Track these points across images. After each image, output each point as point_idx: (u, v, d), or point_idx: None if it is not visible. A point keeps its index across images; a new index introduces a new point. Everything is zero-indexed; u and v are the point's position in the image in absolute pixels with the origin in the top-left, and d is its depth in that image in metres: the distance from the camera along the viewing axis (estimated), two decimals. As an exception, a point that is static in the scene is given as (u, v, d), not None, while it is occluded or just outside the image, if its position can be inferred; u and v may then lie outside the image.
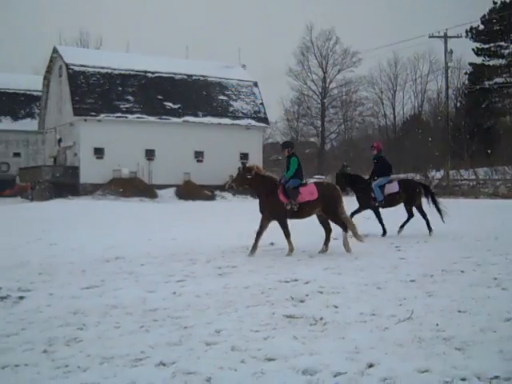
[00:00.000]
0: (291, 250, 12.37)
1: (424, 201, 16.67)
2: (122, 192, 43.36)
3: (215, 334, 6.42)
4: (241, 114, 52.92)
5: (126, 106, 48.30)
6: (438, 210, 16.34)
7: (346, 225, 12.62)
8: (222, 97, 53.26)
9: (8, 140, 61.80)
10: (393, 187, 16.31)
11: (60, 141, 51.03)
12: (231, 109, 52.90)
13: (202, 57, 66.86)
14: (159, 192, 45.53)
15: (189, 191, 46.20)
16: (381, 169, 16.44)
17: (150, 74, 50.88)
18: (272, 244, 13.78)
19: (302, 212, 12.49)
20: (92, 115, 46.77)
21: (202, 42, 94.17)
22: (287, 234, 12.51)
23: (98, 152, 46.66)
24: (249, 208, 23.00)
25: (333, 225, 12.97)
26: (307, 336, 6.26)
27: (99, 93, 48.16)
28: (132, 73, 50.24)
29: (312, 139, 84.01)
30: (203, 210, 33.26)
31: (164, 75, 51.39)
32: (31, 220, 23.96)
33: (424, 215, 16.36)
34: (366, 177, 17.11)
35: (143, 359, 5.63)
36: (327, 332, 6.42)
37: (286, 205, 12.31)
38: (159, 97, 49.83)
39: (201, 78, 53.20)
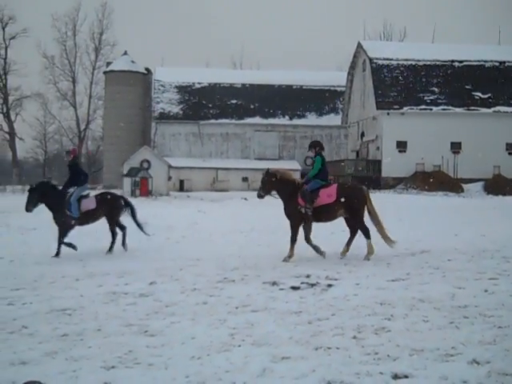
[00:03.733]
0: (290, 256, 11.95)
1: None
2: (425, 186, 43.00)
3: (535, 337, 6.05)
4: None
5: (431, 97, 47.74)
6: (138, 225, 14.71)
7: (368, 231, 12.00)
8: (544, 83, 49.53)
9: (313, 135, 65.40)
10: (89, 203, 14.09)
11: (362, 135, 52.50)
12: (552, 96, 48.92)
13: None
14: (465, 186, 44.12)
15: (498, 186, 43.86)
16: (75, 177, 14.19)
17: (457, 64, 49.56)
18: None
19: (323, 215, 12.16)
20: (395, 108, 47.18)
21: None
22: (293, 239, 12.09)
23: (401, 145, 46.92)
24: None
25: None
26: None
27: (402, 85, 48.38)
28: (438, 63, 49.47)
29: None
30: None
31: (473, 63, 49.59)
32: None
33: (123, 228, 14.55)
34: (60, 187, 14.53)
35: (454, 355, 5.56)
36: None
37: (300, 208, 12.00)
38: (467, 87, 48.25)
39: (516, 63, 50.19)
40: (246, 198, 34.72)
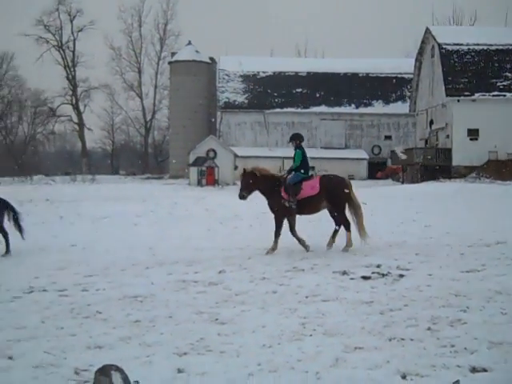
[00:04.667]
0: (273, 249, 11.94)
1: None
2: (498, 175, 41.84)
3: None
4: None
5: (504, 83, 46.34)
6: (19, 227, 13.63)
7: (349, 223, 11.97)
8: None
9: (380, 123, 64.69)
10: None
11: (431, 123, 51.46)
12: None
13: None
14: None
15: None
16: None
17: (531, 47, 47.91)
18: None
19: (306, 207, 12.12)
20: (466, 95, 46.01)
21: None
22: (277, 233, 12.09)
23: (472, 133, 45.72)
24: None
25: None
26: None
27: (473, 71, 47.11)
28: (511, 47, 47.91)
29: None
30: None
31: (548, 47, 47.84)
32: (403, 202, 24.67)
33: (4, 234, 13.33)
34: None
35: (534, 349, 5.38)
36: None
37: (284, 202, 12.03)
38: (542, 71, 46.63)
39: None
40: (312, 187, 34.61)
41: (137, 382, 3.03)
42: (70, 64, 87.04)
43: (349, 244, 11.87)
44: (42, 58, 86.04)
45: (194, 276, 9.44)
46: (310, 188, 12.04)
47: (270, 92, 65.13)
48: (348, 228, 12.01)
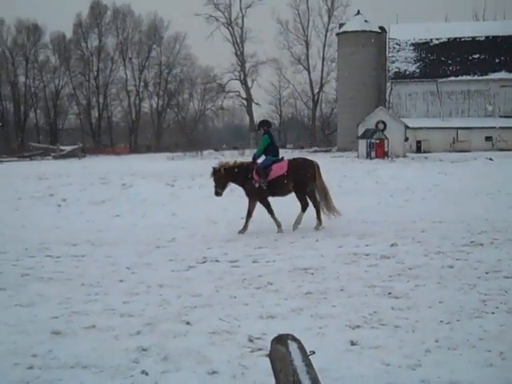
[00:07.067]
0: (279, 225, 12.28)
1: None
2: None
3: None
4: None
5: None
6: None
7: (306, 206, 12.36)
8: None
9: None
10: None
11: None
12: None
13: None
14: None
15: None
16: None
17: None
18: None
19: (277, 188, 12.44)
20: None
21: None
22: (270, 212, 12.55)
23: None
24: None
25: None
26: None
27: None
28: None
29: None
30: None
31: None
32: None
33: None
34: None
35: None
36: None
37: (254, 183, 12.36)
38: None
39: None
40: (491, 158, 32.97)
41: (313, 351, 3.00)
42: (239, 40, 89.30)
43: (297, 222, 12.26)
44: (212, 36, 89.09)
45: (365, 249, 9.35)
46: (279, 168, 12.44)
47: (444, 60, 62.61)
48: (303, 210, 12.36)
